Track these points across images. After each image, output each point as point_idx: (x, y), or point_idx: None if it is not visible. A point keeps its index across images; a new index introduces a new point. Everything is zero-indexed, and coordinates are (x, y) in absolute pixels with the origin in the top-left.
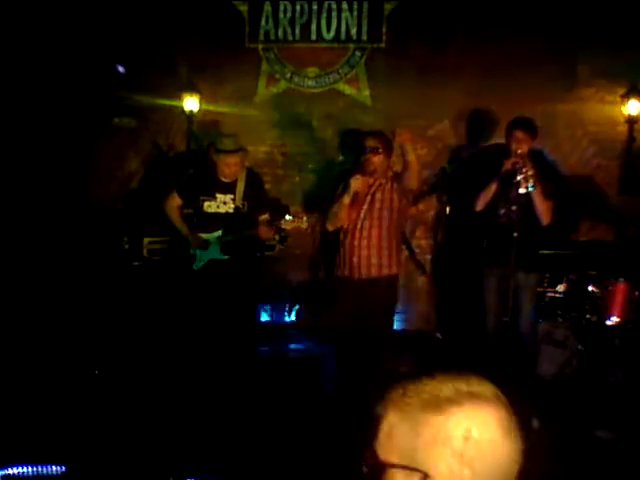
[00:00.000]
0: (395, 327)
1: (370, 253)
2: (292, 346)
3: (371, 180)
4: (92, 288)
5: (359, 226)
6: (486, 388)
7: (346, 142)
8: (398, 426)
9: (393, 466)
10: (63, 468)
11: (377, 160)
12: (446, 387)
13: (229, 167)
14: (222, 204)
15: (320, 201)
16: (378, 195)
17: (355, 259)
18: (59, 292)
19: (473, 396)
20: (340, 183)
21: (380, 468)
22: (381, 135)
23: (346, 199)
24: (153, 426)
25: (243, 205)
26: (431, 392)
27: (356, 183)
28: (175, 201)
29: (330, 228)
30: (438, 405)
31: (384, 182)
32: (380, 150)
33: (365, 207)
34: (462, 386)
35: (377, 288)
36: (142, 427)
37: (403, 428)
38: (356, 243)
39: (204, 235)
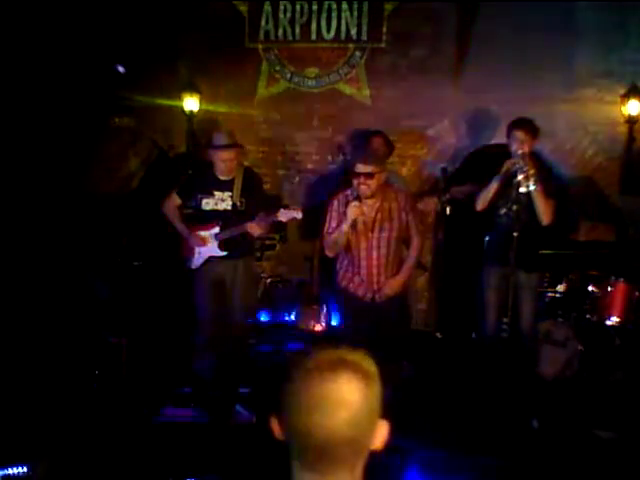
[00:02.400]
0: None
1: (379, 271)
2: (292, 346)
3: (373, 202)
4: (92, 287)
5: (366, 246)
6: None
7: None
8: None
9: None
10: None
11: (372, 184)
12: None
13: (225, 163)
14: (220, 201)
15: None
16: (385, 220)
17: (360, 278)
18: (58, 292)
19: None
20: (328, 205)
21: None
22: (373, 159)
23: (346, 227)
24: (152, 425)
25: (241, 203)
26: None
27: (354, 211)
28: (174, 201)
29: (330, 254)
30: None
31: (387, 204)
32: (373, 174)
33: (375, 234)
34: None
35: (387, 308)
36: (141, 426)
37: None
38: (364, 263)
39: (202, 232)
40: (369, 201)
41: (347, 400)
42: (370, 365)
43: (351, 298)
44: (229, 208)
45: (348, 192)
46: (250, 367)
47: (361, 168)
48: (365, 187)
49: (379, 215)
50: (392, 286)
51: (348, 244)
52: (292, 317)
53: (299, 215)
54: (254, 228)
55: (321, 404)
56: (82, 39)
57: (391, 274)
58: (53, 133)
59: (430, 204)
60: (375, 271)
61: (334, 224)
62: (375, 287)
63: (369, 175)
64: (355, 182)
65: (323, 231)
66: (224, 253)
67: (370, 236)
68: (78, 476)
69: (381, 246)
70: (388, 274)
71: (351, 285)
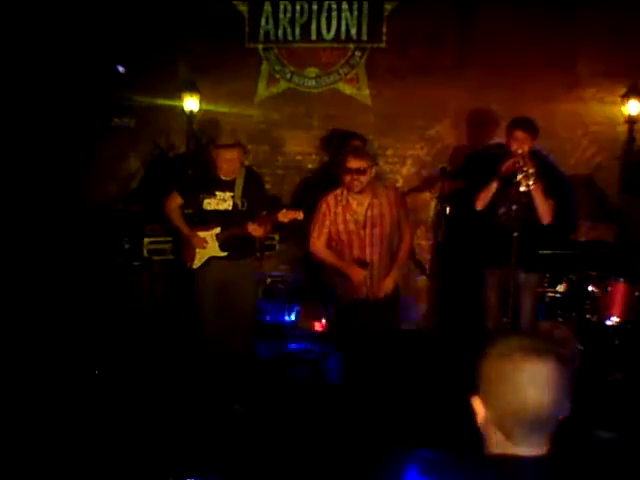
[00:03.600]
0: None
1: (372, 267)
2: (292, 346)
3: (363, 199)
4: (92, 288)
5: (359, 244)
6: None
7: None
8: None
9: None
10: None
11: (364, 179)
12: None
13: (227, 162)
14: (221, 201)
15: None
16: (377, 216)
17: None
18: (59, 292)
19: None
20: (317, 206)
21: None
22: (364, 154)
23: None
24: (153, 426)
25: (242, 203)
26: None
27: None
28: (175, 201)
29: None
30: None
31: (377, 199)
32: (365, 169)
33: (368, 231)
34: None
35: (382, 306)
36: (142, 426)
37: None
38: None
39: (202, 233)
40: (360, 197)
41: (552, 379)
42: (564, 350)
43: (345, 296)
44: (230, 208)
45: (338, 192)
46: (251, 367)
47: (353, 163)
48: (357, 183)
49: (370, 211)
50: (385, 287)
51: (341, 242)
52: (292, 317)
53: (300, 216)
54: (255, 229)
55: (533, 383)
56: (82, 39)
57: (384, 271)
58: (53, 133)
59: (420, 199)
60: (368, 268)
61: (318, 228)
62: (369, 284)
63: (361, 171)
64: (347, 178)
65: (309, 232)
66: (225, 254)
67: (362, 233)
68: (78, 476)
69: (374, 243)
70: (382, 271)
71: (345, 283)
